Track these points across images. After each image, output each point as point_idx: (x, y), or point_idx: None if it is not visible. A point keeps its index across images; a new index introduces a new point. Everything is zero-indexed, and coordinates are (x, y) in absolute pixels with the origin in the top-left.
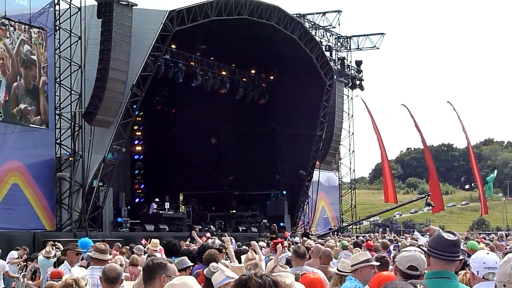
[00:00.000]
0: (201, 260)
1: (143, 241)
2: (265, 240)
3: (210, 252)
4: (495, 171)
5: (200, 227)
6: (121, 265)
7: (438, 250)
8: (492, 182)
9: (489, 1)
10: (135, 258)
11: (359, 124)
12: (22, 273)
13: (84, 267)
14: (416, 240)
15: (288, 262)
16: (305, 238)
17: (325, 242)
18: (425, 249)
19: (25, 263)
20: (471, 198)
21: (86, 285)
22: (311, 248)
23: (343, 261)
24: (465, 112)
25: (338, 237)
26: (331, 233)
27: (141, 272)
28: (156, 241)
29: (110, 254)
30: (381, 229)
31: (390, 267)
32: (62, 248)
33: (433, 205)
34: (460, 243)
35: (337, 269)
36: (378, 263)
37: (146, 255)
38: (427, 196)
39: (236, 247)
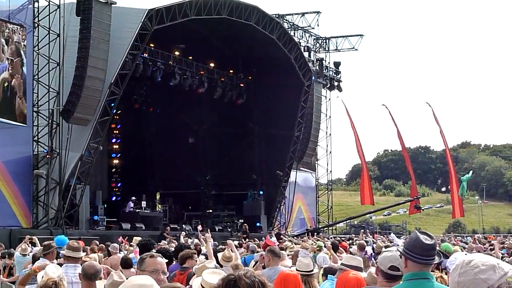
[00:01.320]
0: (177, 259)
1: (120, 239)
2: (238, 240)
3: (185, 252)
4: (471, 172)
5: (176, 226)
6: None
7: (415, 253)
8: (466, 182)
9: (467, 4)
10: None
11: (336, 125)
12: None
13: (60, 264)
14: (392, 242)
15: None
16: (284, 239)
17: (302, 242)
18: (401, 250)
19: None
20: (447, 200)
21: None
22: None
23: (300, 260)
24: (443, 115)
25: (314, 238)
26: (307, 234)
27: (112, 272)
28: (138, 238)
29: (83, 252)
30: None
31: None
32: (40, 246)
33: (422, 209)
34: (436, 246)
35: (296, 269)
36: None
37: (122, 253)
38: (416, 199)
39: (213, 246)
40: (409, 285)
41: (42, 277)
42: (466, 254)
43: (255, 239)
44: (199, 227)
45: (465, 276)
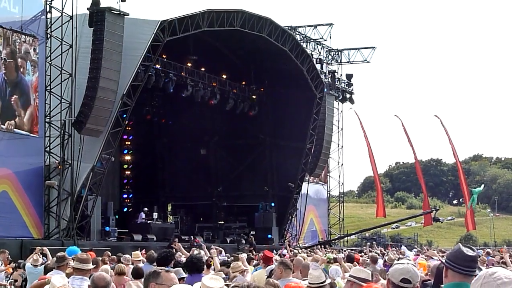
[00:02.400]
0: (189, 271)
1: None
2: (246, 253)
3: (196, 266)
4: (483, 185)
5: (187, 237)
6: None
7: (457, 264)
8: (477, 194)
9: (479, 18)
10: (122, 267)
11: (348, 137)
12: (9, 280)
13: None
14: (403, 255)
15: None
16: (295, 251)
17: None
18: (443, 260)
19: (12, 271)
20: (459, 213)
21: None
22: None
23: (311, 273)
24: (455, 128)
25: (325, 250)
26: (319, 246)
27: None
28: (138, 252)
29: (92, 264)
30: (368, 243)
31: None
32: (51, 257)
33: (441, 221)
34: (477, 258)
35: (308, 282)
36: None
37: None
38: (435, 211)
39: (224, 258)
40: None
41: None
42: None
43: (263, 252)
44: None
45: (487, 286)
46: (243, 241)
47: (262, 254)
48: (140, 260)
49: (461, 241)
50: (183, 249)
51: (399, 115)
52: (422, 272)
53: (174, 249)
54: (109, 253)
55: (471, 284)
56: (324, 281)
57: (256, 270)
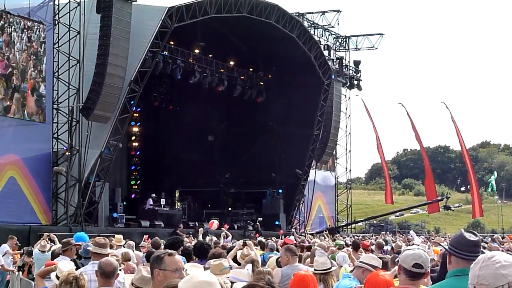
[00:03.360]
0: (197, 256)
1: (145, 237)
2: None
3: (216, 250)
4: (495, 172)
5: (196, 224)
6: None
7: (460, 249)
8: (493, 181)
9: (487, 3)
10: (128, 253)
11: (355, 124)
12: (17, 266)
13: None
14: (410, 241)
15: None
16: (302, 237)
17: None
18: (447, 247)
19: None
20: (467, 200)
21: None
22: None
23: (316, 260)
24: (463, 114)
25: (331, 238)
26: (327, 232)
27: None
28: (120, 236)
29: (110, 248)
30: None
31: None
32: (58, 243)
33: (452, 209)
34: (480, 243)
35: (314, 269)
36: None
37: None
38: (445, 199)
39: (231, 243)
40: (455, 281)
41: (56, 275)
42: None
43: (274, 237)
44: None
45: (486, 270)
46: (250, 228)
47: (282, 241)
48: (121, 245)
49: (469, 228)
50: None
51: (406, 102)
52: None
53: (179, 235)
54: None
55: (470, 268)
56: (329, 268)
57: (263, 257)
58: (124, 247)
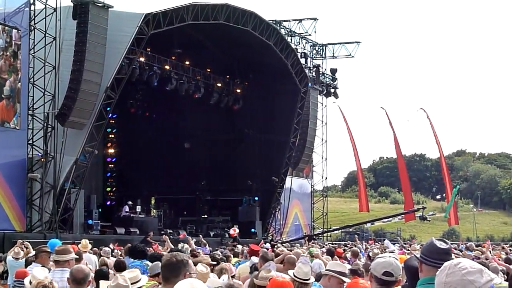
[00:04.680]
0: None
1: (111, 245)
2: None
3: (197, 259)
4: (457, 186)
5: (171, 231)
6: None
7: (431, 257)
8: (453, 197)
9: (464, 13)
10: (104, 260)
11: (332, 132)
12: None
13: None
14: (386, 249)
15: (256, 268)
16: (278, 245)
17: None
18: (418, 256)
19: None
20: (442, 208)
21: None
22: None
23: (299, 267)
24: (438, 123)
25: (309, 244)
26: (305, 240)
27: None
28: (85, 241)
29: (70, 254)
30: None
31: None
32: (33, 250)
33: (429, 219)
34: (451, 251)
35: (293, 274)
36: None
37: (115, 258)
38: (422, 209)
39: (208, 252)
40: None
41: (30, 281)
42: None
43: (249, 245)
44: (181, 235)
45: (453, 277)
46: (227, 235)
47: (248, 247)
48: (86, 251)
49: (444, 236)
50: (169, 242)
51: (383, 110)
52: None
53: (149, 243)
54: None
55: (437, 275)
56: (309, 279)
57: (239, 264)
58: (101, 253)
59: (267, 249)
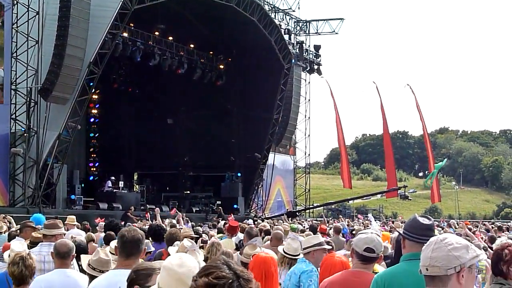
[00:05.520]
0: (154, 239)
1: (97, 220)
2: (211, 224)
3: (171, 231)
4: (446, 159)
5: (154, 207)
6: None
7: (414, 233)
8: (438, 169)
9: None
10: (91, 235)
11: (315, 108)
12: None
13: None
14: (369, 224)
15: (242, 245)
16: (259, 221)
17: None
18: (401, 231)
19: None
20: (424, 185)
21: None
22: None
23: (288, 243)
24: (421, 100)
25: (290, 221)
26: (285, 216)
27: (98, 249)
28: (73, 217)
29: (58, 229)
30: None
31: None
32: (16, 224)
33: (410, 198)
34: (434, 227)
35: (283, 250)
36: (330, 247)
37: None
38: (404, 188)
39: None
40: (408, 265)
41: (9, 255)
42: None
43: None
44: (173, 211)
45: (438, 252)
46: (211, 211)
47: (227, 224)
48: (74, 225)
49: (426, 213)
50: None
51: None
52: (387, 244)
53: (129, 218)
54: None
55: (422, 250)
56: (299, 254)
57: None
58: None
59: (250, 225)
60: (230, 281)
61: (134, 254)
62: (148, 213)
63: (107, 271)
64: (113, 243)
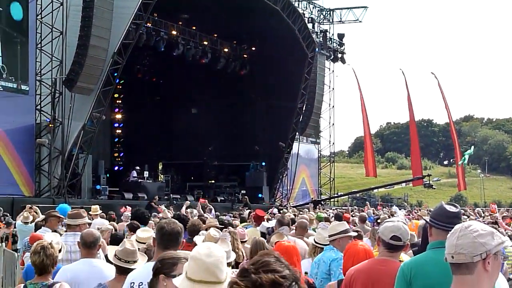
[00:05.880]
0: None
1: (122, 209)
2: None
3: (194, 222)
4: (473, 147)
5: (178, 197)
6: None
7: (440, 221)
8: (468, 155)
9: None
10: (113, 224)
11: (339, 97)
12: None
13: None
14: (394, 214)
15: (269, 233)
16: (284, 210)
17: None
18: (428, 219)
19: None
20: (449, 173)
21: (60, 250)
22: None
23: (319, 233)
24: (446, 88)
25: (317, 210)
26: (311, 205)
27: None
28: (96, 206)
29: (81, 218)
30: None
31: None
32: (41, 214)
33: (434, 187)
34: (461, 215)
35: (314, 240)
36: (356, 234)
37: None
38: (428, 177)
39: (213, 216)
40: (434, 253)
41: None
42: None
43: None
44: (202, 200)
45: (464, 239)
46: (238, 201)
47: (253, 213)
48: (97, 215)
49: (451, 201)
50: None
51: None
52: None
53: (153, 208)
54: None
55: (447, 238)
56: (328, 244)
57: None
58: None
59: (275, 214)
60: (293, 282)
61: (173, 247)
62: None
63: (133, 261)
64: (140, 232)
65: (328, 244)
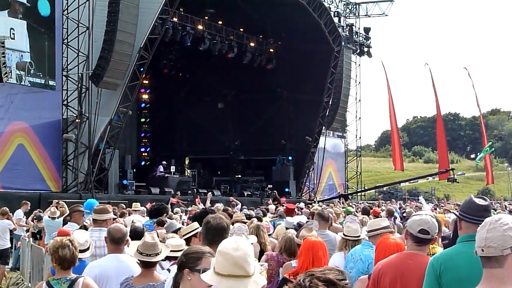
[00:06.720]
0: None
1: (148, 206)
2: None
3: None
4: (492, 148)
5: (205, 191)
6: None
7: (470, 214)
8: (485, 153)
9: None
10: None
11: (365, 91)
12: (28, 233)
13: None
14: (420, 207)
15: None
16: (313, 204)
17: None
18: (457, 213)
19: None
20: (477, 167)
21: (89, 248)
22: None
23: (348, 226)
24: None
25: (347, 204)
26: (339, 199)
27: (146, 233)
28: (137, 203)
29: (107, 214)
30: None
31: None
32: (67, 209)
33: (458, 181)
34: (490, 208)
35: (343, 234)
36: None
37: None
38: (452, 171)
39: (239, 210)
40: (463, 246)
41: None
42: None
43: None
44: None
45: (494, 232)
46: (266, 195)
47: (284, 207)
48: (137, 211)
49: (479, 195)
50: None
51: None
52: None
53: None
54: (123, 205)
55: (477, 231)
56: (359, 236)
57: (274, 223)
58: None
59: (301, 208)
60: None
61: (217, 242)
62: (198, 198)
63: (155, 254)
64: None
65: (358, 236)
